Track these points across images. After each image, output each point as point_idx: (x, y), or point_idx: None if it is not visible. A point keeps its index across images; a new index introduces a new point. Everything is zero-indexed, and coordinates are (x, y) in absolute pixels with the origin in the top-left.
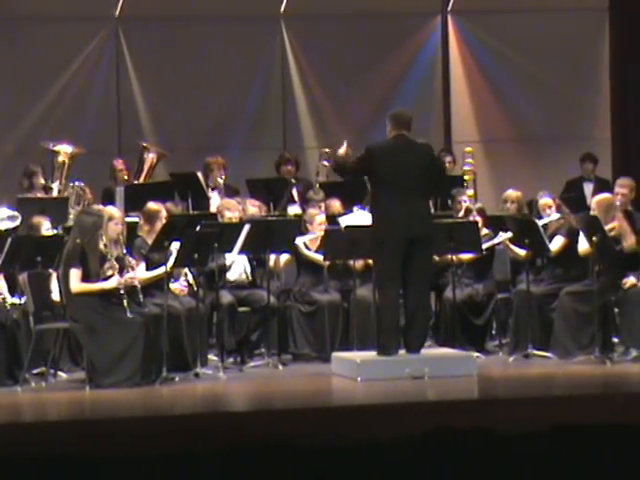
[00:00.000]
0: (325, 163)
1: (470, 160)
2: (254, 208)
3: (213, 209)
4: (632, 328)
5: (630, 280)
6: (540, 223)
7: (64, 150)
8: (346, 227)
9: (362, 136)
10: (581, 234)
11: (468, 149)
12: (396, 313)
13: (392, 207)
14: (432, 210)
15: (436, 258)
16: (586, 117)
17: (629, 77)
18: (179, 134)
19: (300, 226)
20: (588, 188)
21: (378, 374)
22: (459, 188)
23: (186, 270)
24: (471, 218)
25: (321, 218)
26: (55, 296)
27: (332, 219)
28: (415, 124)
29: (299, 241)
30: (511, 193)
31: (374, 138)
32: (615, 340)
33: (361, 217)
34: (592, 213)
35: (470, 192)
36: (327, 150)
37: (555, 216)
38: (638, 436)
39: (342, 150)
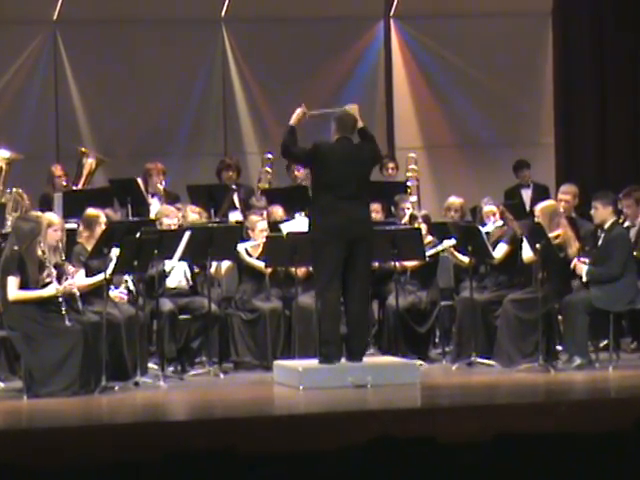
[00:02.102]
0: (268, 169)
1: (413, 167)
2: (195, 214)
3: (153, 215)
4: (576, 336)
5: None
6: (483, 230)
7: (1, 155)
8: (288, 234)
9: (303, 142)
10: (525, 241)
11: (411, 155)
12: (337, 320)
13: (332, 210)
14: (374, 216)
15: (378, 265)
16: (529, 123)
17: (572, 82)
18: (118, 139)
19: (241, 233)
20: (527, 194)
21: (320, 383)
22: (402, 195)
23: (126, 277)
24: (416, 225)
25: (263, 225)
26: None
27: (274, 226)
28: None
29: (240, 248)
30: (454, 201)
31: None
32: (559, 348)
33: (303, 224)
34: (536, 220)
35: (414, 199)
36: (269, 156)
37: (499, 223)
38: (582, 445)
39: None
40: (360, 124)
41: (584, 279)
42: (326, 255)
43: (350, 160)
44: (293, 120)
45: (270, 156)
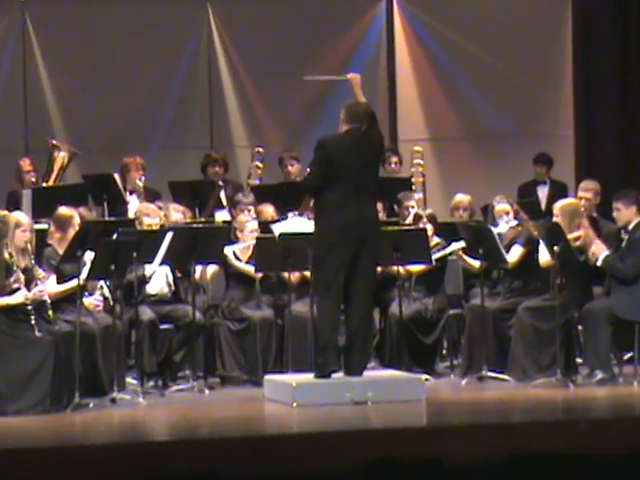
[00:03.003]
0: (258, 163)
1: (418, 161)
2: (178, 214)
3: (131, 214)
4: (597, 348)
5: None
6: (496, 231)
7: None
8: (280, 235)
9: (297, 135)
10: (541, 243)
11: (417, 148)
12: (335, 330)
13: (340, 206)
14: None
15: (380, 270)
16: (546, 113)
17: (594, 68)
18: (93, 131)
19: (229, 234)
20: (543, 192)
21: (316, 399)
22: (406, 192)
23: (101, 283)
24: (421, 225)
25: (252, 225)
26: None
27: (265, 226)
28: None
29: (228, 250)
30: (462, 198)
31: (310, 136)
32: (578, 361)
33: (296, 224)
34: (554, 220)
35: (418, 196)
36: (260, 150)
37: (513, 223)
38: (603, 467)
39: None
40: (362, 98)
41: (599, 263)
42: (332, 257)
43: (360, 150)
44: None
45: (261, 150)
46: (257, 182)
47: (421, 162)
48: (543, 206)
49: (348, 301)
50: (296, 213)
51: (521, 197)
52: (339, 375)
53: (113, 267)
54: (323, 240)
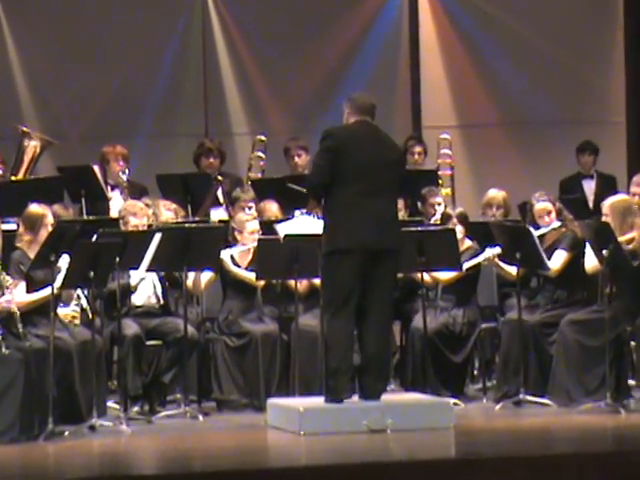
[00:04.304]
0: (260, 154)
1: (446, 151)
2: (168, 212)
3: (114, 213)
4: None
5: None
6: (536, 233)
7: None
8: (285, 237)
9: (305, 121)
10: (588, 246)
11: (444, 137)
12: (349, 351)
13: (354, 210)
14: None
15: (401, 277)
16: (594, 97)
17: None
18: (69, 117)
19: (226, 235)
20: (589, 187)
21: (327, 427)
22: (432, 187)
23: (79, 292)
24: (450, 225)
25: (253, 225)
26: None
27: (267, 226)
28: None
29: (225, 255)
30: (496, 195)
31: (319, 122)
32: (631, 383)
33: (304, 224)
34: (603, 219)
35: (446, 192)
36: (262, 138)
37: (555, 224)
38: None
39: None
40: None
41: None
42: (344, 268)
43: (374, 145)
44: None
45: (263, 138)
46: (259, 175)
47: (449, 152)
48: (590, 203)
49: (364, 317)
50: (304, 211)
51: (564, 193)
52: (353, 399)
53: (92, 274)
54: (332, 248)
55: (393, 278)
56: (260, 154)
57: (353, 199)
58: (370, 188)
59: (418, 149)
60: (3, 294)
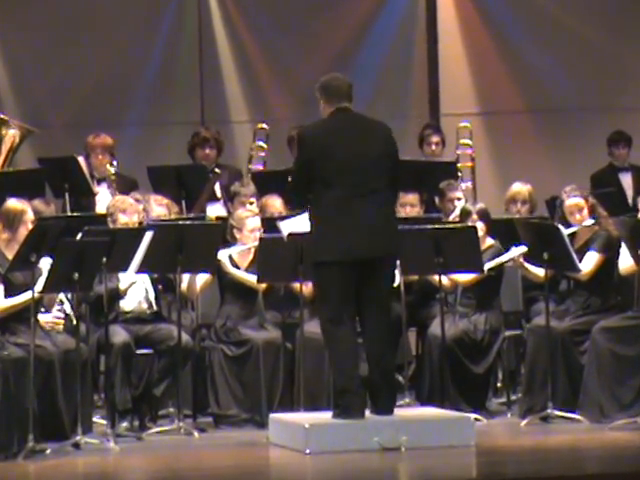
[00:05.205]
0: (261, 144)
1: (466, 141)
2: (160, 208)
3: (100, 209)
4: None
5: None
6: (566, 232)
7: None
8: (289, 235)
9: (310, 106)
10: (623, 246)
11: (463, 125)
12: (355, 360)
13: (339, 215)
14: (408, 212)
15: (417, 279)
16: (631, 82)
17: None
18: (52, 104)
19: (224, 233)
20: (626, 180)
21: (335, 445)
22: (451, 180)
23: (62, 296)
24: (470, 223)
25: (254, 223)
26: None
27: (270, 224)
28: (389, 91)
29: (223, 255)
30: (521, 189)
31: None
32: None
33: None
34: None
35: (466, 185)
36: (264, 126)
37: (588, 222)
38: None
39: None
40: None
41: None
42: (333, 279)
43: (358, 138)
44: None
45: (265, 126)
46: (260, 167)
47: (469, 142)
48: (630, 198)
49: (364, 326)
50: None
51: (596, 188)
52: (365, 414)
53: (77, 276)
54: (320, 258)
55: (390, 278)
56: (261, 144)
57: (339, 204)
58: (357, 190)
59: (435, 139)
60: None
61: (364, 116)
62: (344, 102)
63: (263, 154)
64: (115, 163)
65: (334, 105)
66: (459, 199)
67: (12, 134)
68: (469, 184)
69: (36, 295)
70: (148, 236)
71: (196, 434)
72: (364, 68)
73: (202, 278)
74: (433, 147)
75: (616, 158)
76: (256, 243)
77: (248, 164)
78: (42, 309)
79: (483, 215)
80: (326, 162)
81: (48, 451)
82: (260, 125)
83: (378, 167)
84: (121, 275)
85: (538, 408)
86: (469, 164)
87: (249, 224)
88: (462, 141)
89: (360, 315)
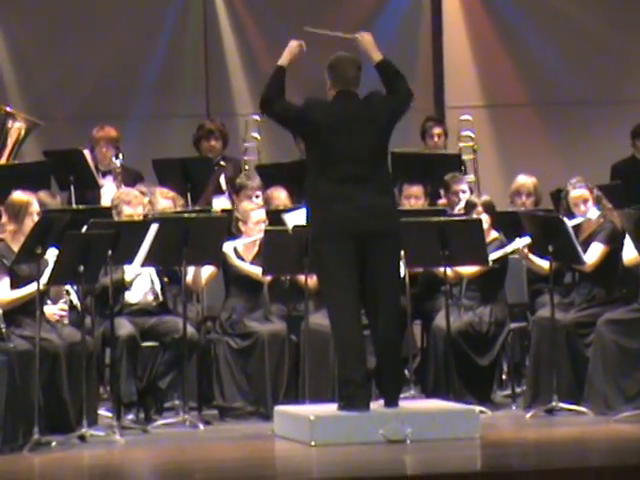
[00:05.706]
0: (255, 135)
1: (470, 133)
2: (165, 200)
3: (105, 201)
4: None
5: None
6: (570, 224)
7: None
8: (294, 228)
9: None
10: (627, 238)
11: (464, 118)
12: (360, 350)
13: (333, 200)
14: (412, 204)
15: (422, 272)
16: (635, 74)
17: None
18: (57, 96)
19: (230, 226)
20: None
21: (340, 437)
22: (455, 173)
23: (68, 288)
24: (475, 215)
25: (259, 215)
26: None
27: (275, 216)
28: None
29: (228, 247)
30: (526, 181)
31: None
32: None
33: None
34: None
35: (471, 178)
36: (257, 118)
37: (593, 214)
38: None
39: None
40: (378, 56)
41: None
42: (333, 266)
43: (355, 124)
44: (283, 58)
45: (258, 118)
46: (253, 158)
47: (472, 135)
48: None
49: (370, 314)
50: None
51: (618, 178)
52: (371, 406)
53: (82, 268)
54: (316, 246)
55: (391, 264)
56: (255, 135)
57: (333, 190)
58: (351, 175)
59: (437, 130)
60: None
61: (365, 98)
62: (348, 86)
63: (253, 144)
64: (120, 156)
65: (337, 88)
66: (464, 192)
67: (18, 127)
68: (473, 177)
69: (42, 287)
70: (153, 229)
71: (201, 426)
72: (369, 61)
73: (207, 271)
74: (435, 139)
75: (638, 150)
76: (261, 235)
77: (243, 157)
78: (48, 301)
79: (488, 207)
80: (320, 144)
81: (53, 444)
82: (252, 117)
83: (374, 151)
84: (126, 267)
85: (543, 400)
86: (472, 157)
87: (254, 216)
88: (465, 133)
89: (366, 302)
